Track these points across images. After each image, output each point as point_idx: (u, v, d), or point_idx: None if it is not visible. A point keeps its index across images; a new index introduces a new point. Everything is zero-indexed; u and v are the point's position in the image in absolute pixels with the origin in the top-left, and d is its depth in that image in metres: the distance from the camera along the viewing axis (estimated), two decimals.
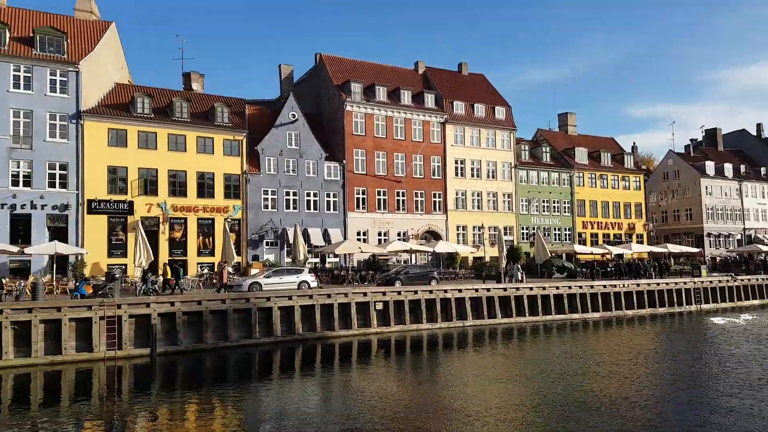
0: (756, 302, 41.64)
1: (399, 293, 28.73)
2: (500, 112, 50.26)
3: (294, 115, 40.42)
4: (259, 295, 25.52)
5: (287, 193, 39.66)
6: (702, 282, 39.40)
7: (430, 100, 46.66)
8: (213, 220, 36.93)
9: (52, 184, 32.46)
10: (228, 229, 34.03)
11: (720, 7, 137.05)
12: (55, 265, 30.27)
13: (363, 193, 42.80)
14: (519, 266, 35.66)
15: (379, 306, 27.97)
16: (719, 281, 40.33)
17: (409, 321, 28.57)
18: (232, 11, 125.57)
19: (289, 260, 37.59)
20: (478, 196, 48.20)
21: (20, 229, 31.67)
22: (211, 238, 36.94)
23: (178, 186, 35.91)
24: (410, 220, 44.63)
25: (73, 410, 17.18)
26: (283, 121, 40.00)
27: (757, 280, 42.70)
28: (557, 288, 33.70)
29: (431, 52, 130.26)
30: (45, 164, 32.24)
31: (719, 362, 21.49)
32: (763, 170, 67.12)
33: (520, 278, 34.19)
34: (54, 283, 27.97)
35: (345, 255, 39.29)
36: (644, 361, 21.88)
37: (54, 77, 32.74)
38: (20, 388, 19.46)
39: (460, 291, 30.45)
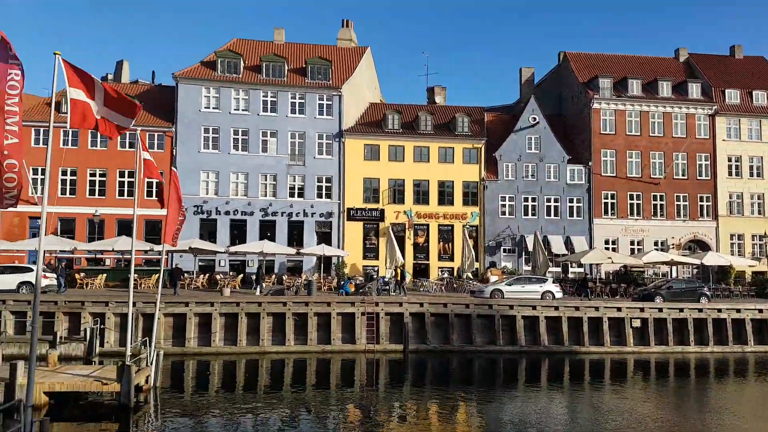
0: None
1: (660, 310, 26.03)
2: None
3: (534, 119, 39.77)
4: (502, 303, 25.74)
5: (526, 199, 39.18)
6: None
7: (695, 90, 41.34)
8: (452, 226, 38.46)
9: (319, 195, 37.61)
10: (467, 236, 35.17)
11: None
12: (322, 265, 34.97)
13: (612, 198, 39.91)
14: None
15: (636, 323, 25.72)
16: None
17: (672, 342, 25.67)
18: (472, 23, 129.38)
19: (527, 268, 37.15)
20: (759, 198, 40.93)
21: (295, 234, 37.35)
22: (450, 244, 38.51)
23: (421, 194, 38.35)
24: (670, 228, 40.04)
25: (339, 394, 19.56)
26: (523, 126, 39.67)
27: None
28: None
29: (694, 38, 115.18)
30: (314, 178, 37.54)
31: None
32: None
33: None
34: (321, 280, 32.28)
35: (590, 265, 37.09)
36: None
37: (321, 102, 37.96)
38: (298, 370, 22.90)
39: (738, 311, 26.35)
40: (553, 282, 29.03)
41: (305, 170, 37.50)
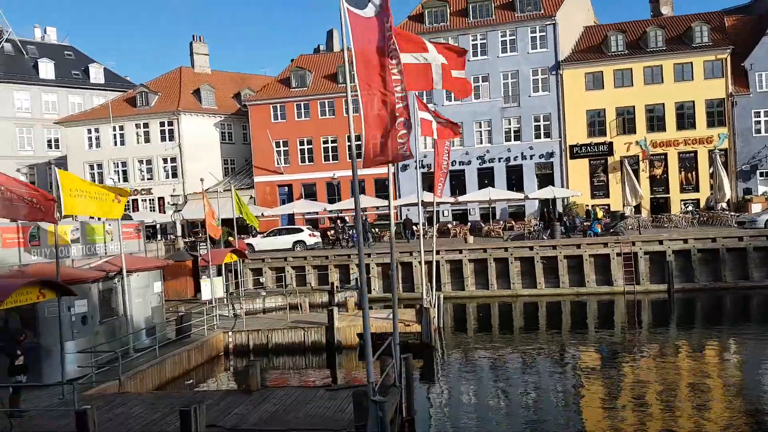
0: None
1: None
2: None
3: None
4: None
5: None
6: None
7: None
8: (695, 152, 35.12)
9: (537, 135, 36.88)
10: (718, 161, 31.75)
11: None
12: (548, 208, 34.46)
13: None
14: None
15: None
16: None
17: None
18: None
19: None
20: None
21: (513, 179, 37.27)
22: (693, 173, 35.27)
23: (655, 121, 35.45)
24: None
25: (598, 336, 19.57)
26: None
27: None
28: None
29: None
30: (531, 117, 36.83)
31: None
32: None
33: None
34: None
35: None
36: None
37: (534, 34, 36.67)
38: (552, 313, 23.29)
39: None
40: None
41: (520, 111, 36.96)
